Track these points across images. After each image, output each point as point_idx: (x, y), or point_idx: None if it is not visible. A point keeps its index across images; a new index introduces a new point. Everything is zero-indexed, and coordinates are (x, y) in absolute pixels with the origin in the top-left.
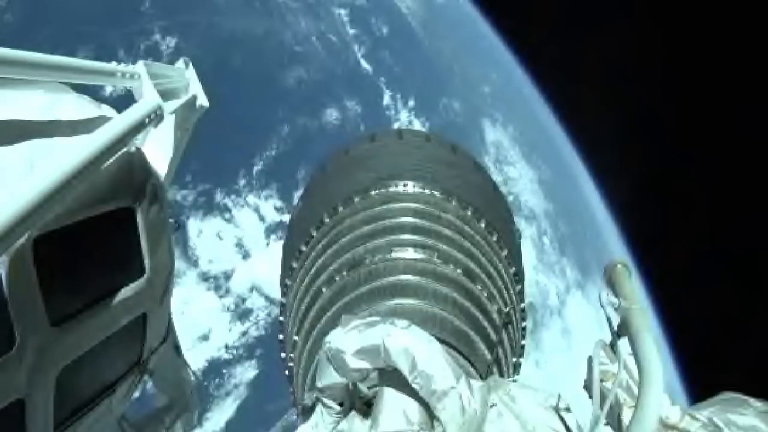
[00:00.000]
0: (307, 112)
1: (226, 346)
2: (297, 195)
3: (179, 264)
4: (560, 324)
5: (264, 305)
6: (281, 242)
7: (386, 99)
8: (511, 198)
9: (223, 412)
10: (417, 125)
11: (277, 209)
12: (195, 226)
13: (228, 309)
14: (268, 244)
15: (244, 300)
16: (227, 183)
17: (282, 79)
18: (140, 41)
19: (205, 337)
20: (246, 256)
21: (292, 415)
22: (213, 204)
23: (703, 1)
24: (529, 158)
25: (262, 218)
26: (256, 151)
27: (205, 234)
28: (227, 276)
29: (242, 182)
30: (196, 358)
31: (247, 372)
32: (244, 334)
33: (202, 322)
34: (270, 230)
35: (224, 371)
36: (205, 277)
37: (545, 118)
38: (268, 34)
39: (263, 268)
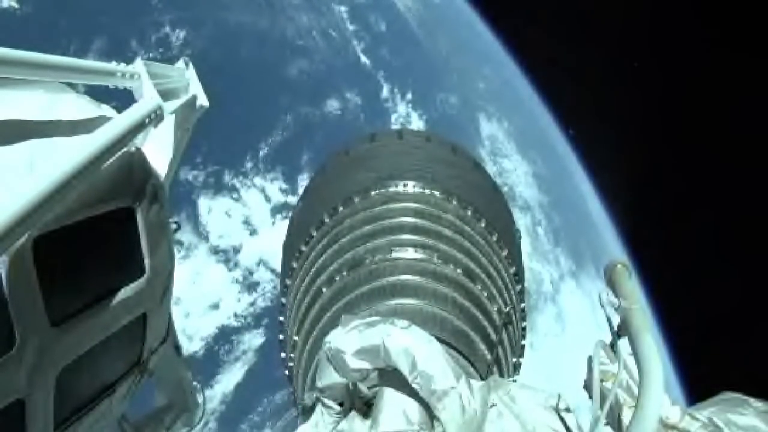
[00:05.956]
0: (309, 101)
1: (235, 315)
2: (300, 179)
3: (191, 238)
4: (554, 309)
5: (270, 278)
6: (286, 221)
7: (385, 92)
8: (505, 189)
9: (232, 376)
10: (414, 118)
11: (282, 191)
12: (205, 204)
13: (237, 281)
14: (273, 222)
15: (251, 273)
16: (235, 165)
17: (285, 71)
18: (151, 33)
19: (215, 306)
20: (253, 233)
21: (292, 414)
22: (222, 184)
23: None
24: (524, 153)
25: (268, 199)
26: (261, 136)
27: (214, 211)
28: (236, 250)
29: (249, 165)
30: (207, 325)
31: (254, 339)
32: (252, 304)
33: (212, 292)
34: (275, 210)
35: (233, 338)
36: (215, 251)
37: (541, 115)
38: (272, 28)
39: (269, 245)
